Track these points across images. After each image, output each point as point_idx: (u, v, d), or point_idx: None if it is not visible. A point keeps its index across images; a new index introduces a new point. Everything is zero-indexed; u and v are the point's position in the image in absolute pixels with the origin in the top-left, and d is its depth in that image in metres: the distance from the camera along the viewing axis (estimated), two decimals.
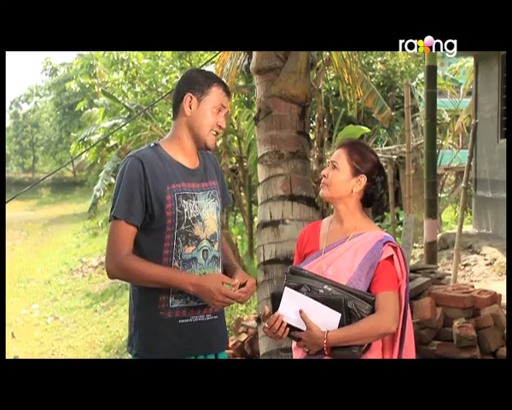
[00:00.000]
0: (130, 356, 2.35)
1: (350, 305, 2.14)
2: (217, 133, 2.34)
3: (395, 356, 2.20)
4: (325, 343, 2.13)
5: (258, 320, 4.19)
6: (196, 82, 2.30)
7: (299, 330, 2.18)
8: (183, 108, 2.30)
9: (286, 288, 2.20)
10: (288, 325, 2.19)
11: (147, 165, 2.22)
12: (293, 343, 2.33)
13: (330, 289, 2.17)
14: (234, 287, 2.23)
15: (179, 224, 2.24)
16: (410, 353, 2.24)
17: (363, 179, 2.27)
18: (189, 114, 2.29)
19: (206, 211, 2.30)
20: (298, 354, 2.30)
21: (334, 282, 2.19)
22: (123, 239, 2.21)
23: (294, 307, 2.17)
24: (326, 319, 2.14)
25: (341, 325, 2.14)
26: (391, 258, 2.21)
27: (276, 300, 2.22)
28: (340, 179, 2.27)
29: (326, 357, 2.19)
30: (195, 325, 2.27)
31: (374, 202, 2.33)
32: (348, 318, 2.14)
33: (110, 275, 2.27)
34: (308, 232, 2.41)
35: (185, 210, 2.25)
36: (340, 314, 2.13)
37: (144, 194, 2.21)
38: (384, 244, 2.21)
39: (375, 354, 2.20)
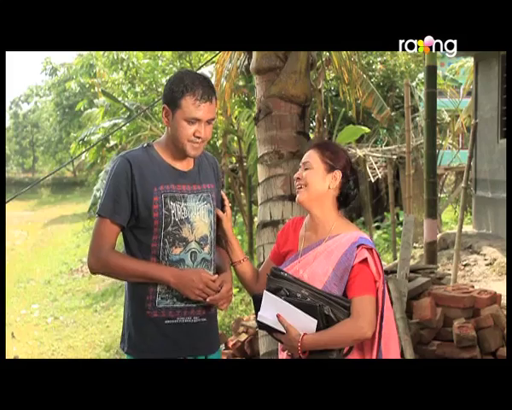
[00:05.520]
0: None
1: (326, 311, 2.11)
2: (199, 142, 2.24)
3: (374, 357, 2.16)
4: (299, 346, 2.13)
5: None
6: (170, 94, 2.23)
7: (280, 332, 2.17)
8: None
9: (265, 291, 2.20)
10: (269, 327, 2.20)
11: (135, 166, 2.22)
12: (279, 346, 2.31)
13: (307, 294, 2.14)
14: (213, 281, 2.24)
15: (166, 225, 2.23)
16: (392, 354, 2.19)
17: (339, 174, 2.24)
18: (167, 125, 2.29)
19: (195, 213, 2.28)
20: (283, 356, 2.29)
21: (312, 287, 2.16)
22: (106, 236, 2.23)
23: (273, 310, 2.17)
24: (303, 325, 2.13)
25: (319, 330, 2.12)
26: (365, 261, 2.15)
27: (256, 303, 2.23)
28: (316, 177, 2.24)
29: None
30: (181, 327, 2.26)
31: (349, 200, 2.29)
32: (326, 324, 2.12)
33: (92, 270, 2.28)
34: (289, 229, 2.38)
35: (172, 212, 2.24)
36: (316, 321, 2.12)
37: (131, 194, 2.21)
38: (358, 247, 2.16)
39: (355, 355, 2.18)
